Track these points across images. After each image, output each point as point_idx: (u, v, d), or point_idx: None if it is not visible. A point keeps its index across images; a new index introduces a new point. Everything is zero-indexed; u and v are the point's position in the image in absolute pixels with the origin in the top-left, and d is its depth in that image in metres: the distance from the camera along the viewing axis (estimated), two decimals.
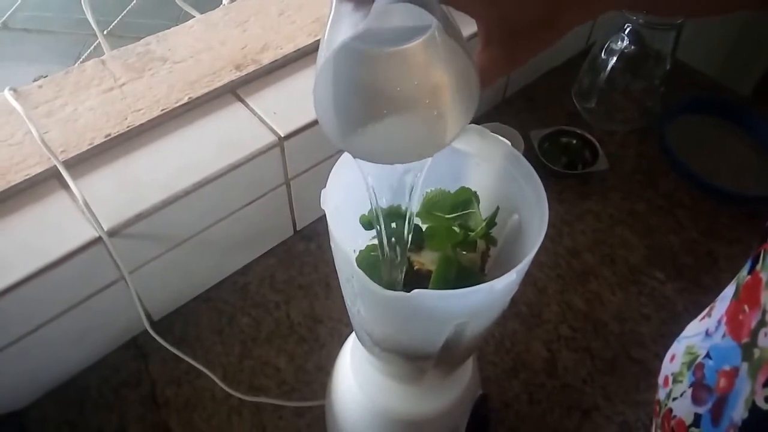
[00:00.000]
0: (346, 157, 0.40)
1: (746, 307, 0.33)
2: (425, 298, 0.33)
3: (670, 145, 0.87)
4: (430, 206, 0.43)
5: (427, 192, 0.44)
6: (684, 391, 0.36)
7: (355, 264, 0.36)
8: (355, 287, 0.37)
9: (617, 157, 0.87)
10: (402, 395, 0.50)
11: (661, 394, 0.40)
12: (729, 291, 0.37)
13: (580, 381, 0.66)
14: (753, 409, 0.31)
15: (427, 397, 0.50)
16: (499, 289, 0.34)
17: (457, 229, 0.43)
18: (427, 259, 0.40)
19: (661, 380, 0.41)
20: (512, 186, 0.41)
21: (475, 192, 0.43)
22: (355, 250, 0.43)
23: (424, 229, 0.44)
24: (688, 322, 0.43)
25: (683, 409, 0.36)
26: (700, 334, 0.38)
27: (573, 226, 0.80)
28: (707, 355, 0.36)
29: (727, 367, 0.33)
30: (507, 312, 0.64)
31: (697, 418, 0.34)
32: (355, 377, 0.52)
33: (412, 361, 0.43)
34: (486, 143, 0.41)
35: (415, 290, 0.32)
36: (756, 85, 1.50)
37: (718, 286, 0.72)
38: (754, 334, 0.32)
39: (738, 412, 0.32)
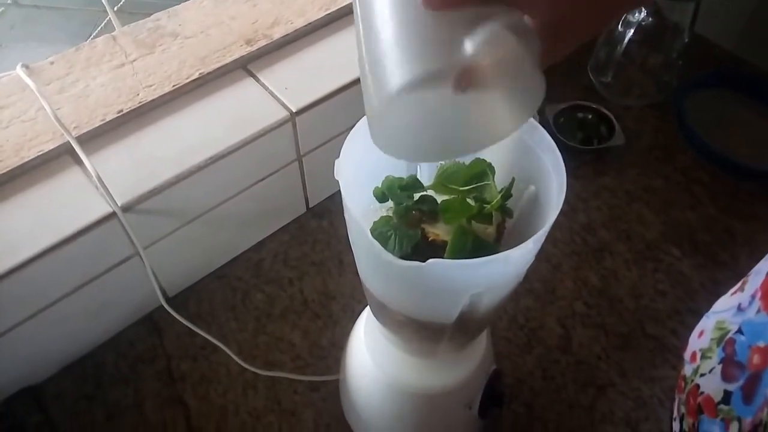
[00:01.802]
0: (358, 129, 0.39)
1: None
2: (441, 267, 0.33)
3: (687, 120, 0.86)
4: (445, 179, 0.42)
5: (441, 164, 0.43)
6: (713, 368, 0.35)
7: (370, 235, 0.35)
8: (370, 258, 0.36)
9: (634, 133, 0.86)
10: (416, 369, 0.50)
11: (688, 370, 0.38)
12: (764, 265, 0.36)
13: (594, 357, 0.66)
14: None
15: (442, 371, 0.50)
16: (515, 258, 0.34)
17: (472, 201, 0.43)
18: (442, 230, 0.40)
19: (687, 355, 0.39)
20: (528, 157, 0.40)
21: (490, 163, 0.42)
22: (368, 222, 0.43)
23: (439, 202, 0.43)
24: (705, 299, 0.42)
25: (712, 385, 0.35)
26: (731, 309, 0.37)
27: (588, 202, 0.79)
28: (739, 331, 0.35)
29: (761, 344, 0.32)
30: (521, 288, 0.64)
31: (727, 394, 0.33)
32: (369, 352, 0.52)
33: (427, 334, 0.43)
34: None
35: (431, 260, 0.32)
36: None
37: (735, 263, 0.72)
38: None
39: None
